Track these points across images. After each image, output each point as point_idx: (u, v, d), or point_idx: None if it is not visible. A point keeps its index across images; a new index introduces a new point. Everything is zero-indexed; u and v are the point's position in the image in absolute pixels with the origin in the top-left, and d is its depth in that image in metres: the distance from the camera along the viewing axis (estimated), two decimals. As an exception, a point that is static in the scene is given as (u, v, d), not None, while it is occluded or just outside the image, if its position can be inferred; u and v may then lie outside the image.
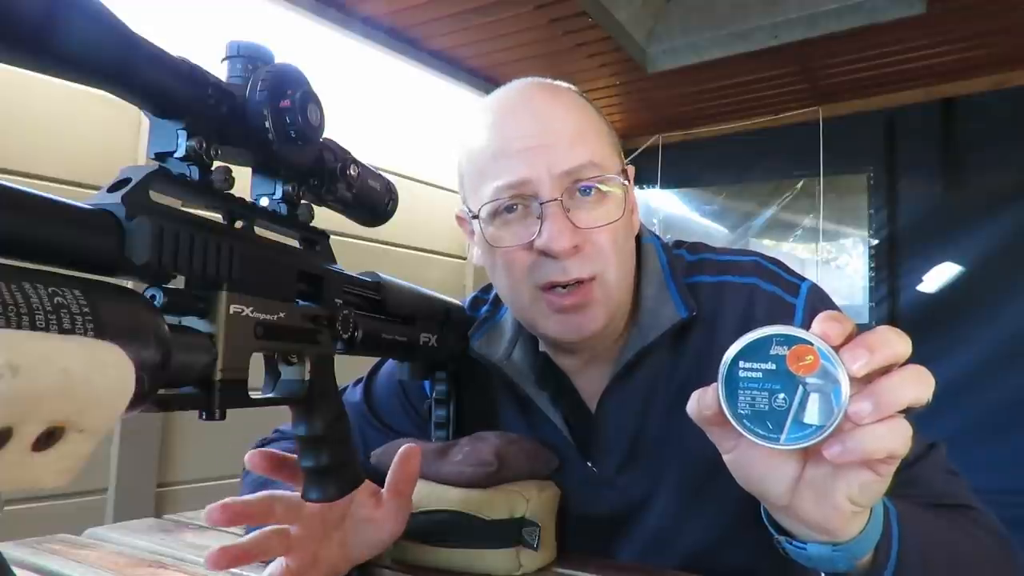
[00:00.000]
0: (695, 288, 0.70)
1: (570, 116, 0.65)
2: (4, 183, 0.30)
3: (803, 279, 0.69)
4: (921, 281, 2.42)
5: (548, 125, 0.64)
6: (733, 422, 0.40)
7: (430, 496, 0.64)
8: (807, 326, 0.50)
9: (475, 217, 0.67)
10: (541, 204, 0.62)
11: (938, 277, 2.39)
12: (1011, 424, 2.17)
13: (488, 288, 0.81)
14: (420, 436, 0.78)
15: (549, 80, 0.71)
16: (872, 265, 2.53)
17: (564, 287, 0.63)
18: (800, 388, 0.39)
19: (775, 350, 0.39)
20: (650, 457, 0.69)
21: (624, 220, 0.66)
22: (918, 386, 0.39)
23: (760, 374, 0.39)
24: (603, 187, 0.64)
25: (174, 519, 0.83)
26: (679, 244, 0.77)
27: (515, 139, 0.64)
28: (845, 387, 0.38)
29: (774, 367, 0.39)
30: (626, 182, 0.67)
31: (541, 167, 0.62)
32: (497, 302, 0.78)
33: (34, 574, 0.61)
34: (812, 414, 0.38)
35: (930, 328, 2.34)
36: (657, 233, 0.77)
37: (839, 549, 0.45)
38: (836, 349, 0.39)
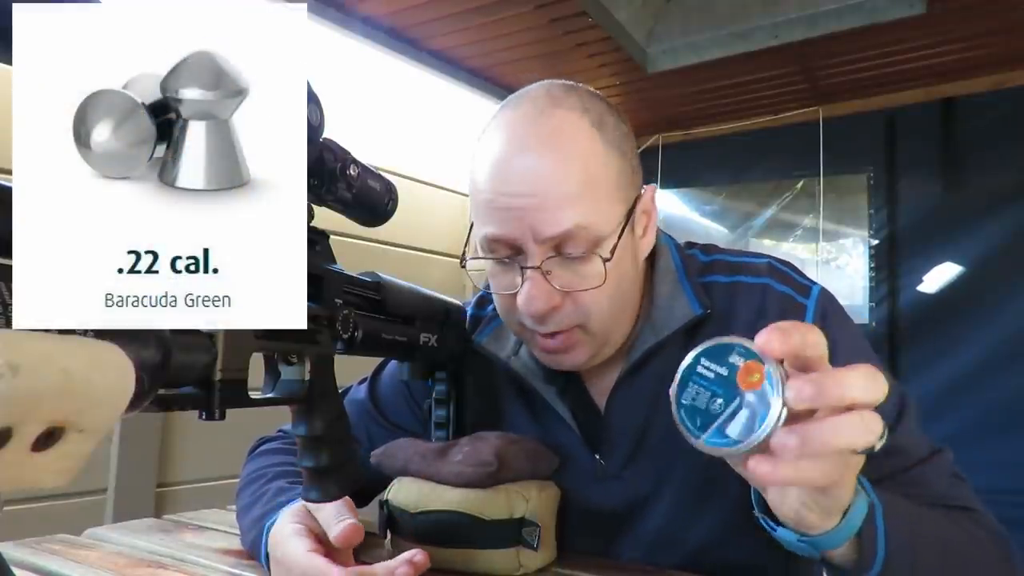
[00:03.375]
0: (709, 287, 0.70)
1: (568, 169, 0.61)
2: (3, 183, 0.30)
3: (814, 282, 0.70)
4: (921, 281, 2.42)
5: (540, 182, 0.60)
6: (673, 406, 0.42)
7: (430, 496, 0.64)
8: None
9: (471, 259, 0.68)
10: (522, 267, 0.62)
11: (938, 277, 2.39)
12: (1011, 424, 2.17)
13: None
14: (424, 433, 0.78)
15: (563, 97, 0.64)
16: (872, 265, 2.52)
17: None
18: (737, 400, 0.40)
19: (734, 359, 0.40)
20: (657, 452, 0.69)
21: (613, 277, 0.63)
22: (857, 433, 0.39)
23: (713, 375, 0.41)
24: (590, 249, 0.62)
25: (174, 519, 0.83)
26: (691, 245, 0.77)
27: (505, 194, 0.62)
28: (773, 415, 0.38)
29: (726, 374, 0.41)
30: (620, 236, 0.63)
31: (526, 229, 0.61)
32: None
33: (34, 574, 0.61)
34: (735, 427, 0.39)
35: (930, 328, 2.33)
36: None
37: (803, 540, 0.47)
38: (788, 374, 0.40)
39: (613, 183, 0.64)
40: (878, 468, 0.60)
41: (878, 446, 0.40)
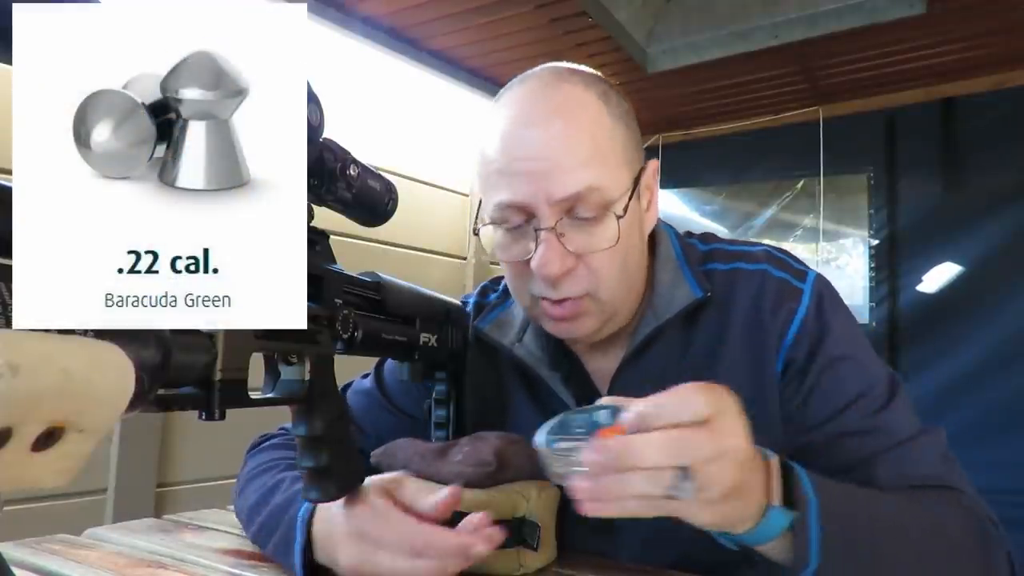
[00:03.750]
0: (710, 275, 0.72)
1: (577, 135, 0.63)
2: (3, 183, 0.30)
3: (811, 269, 0.72)
4: (921, 281, 2.42)
5: (551, 147, 0.62)
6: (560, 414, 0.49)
7: (430, 496, 0.64)
8: (812, 311, 0.67)
9: (484, 225, 0.68)
10: (536, 230, 0.63)
11: (938, 277, 2.39)
12: (1011, 424, 2.17)
13: (498, 280, 0.85)
14: (427, 426, 0.78)
15: (567, 74, 0.67)
16: (872, 265, 2.52)
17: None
18: (587, 437, 0.46)
19: (619, 420, 0.46)
20: None
21: (624, 242, 0.65)
22: (641, 487, 0.43)
23: (595, 419, 0.47)
24: (601, 211, 0.64)
25: (174, 519, 0.83)
26: (690, 235, 0.79)
27: (518, 160, 0.63)
28: (583, 456, 0.44)
29: (601, 422, 0.46)
30: (630, 200, 0.65)
31: (540, 192, 0.62)
32: (507, 292, 0.80)
33: (34, 574, 0.61)
34: (562, 444, 0.46)
35: (930, 328, 2.33)
36: None
37: (719, 534, 0.51)
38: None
39: (620, 151, 0.66)
40: (860, 448, 0.62)
41: (677, 496, 0.43)
